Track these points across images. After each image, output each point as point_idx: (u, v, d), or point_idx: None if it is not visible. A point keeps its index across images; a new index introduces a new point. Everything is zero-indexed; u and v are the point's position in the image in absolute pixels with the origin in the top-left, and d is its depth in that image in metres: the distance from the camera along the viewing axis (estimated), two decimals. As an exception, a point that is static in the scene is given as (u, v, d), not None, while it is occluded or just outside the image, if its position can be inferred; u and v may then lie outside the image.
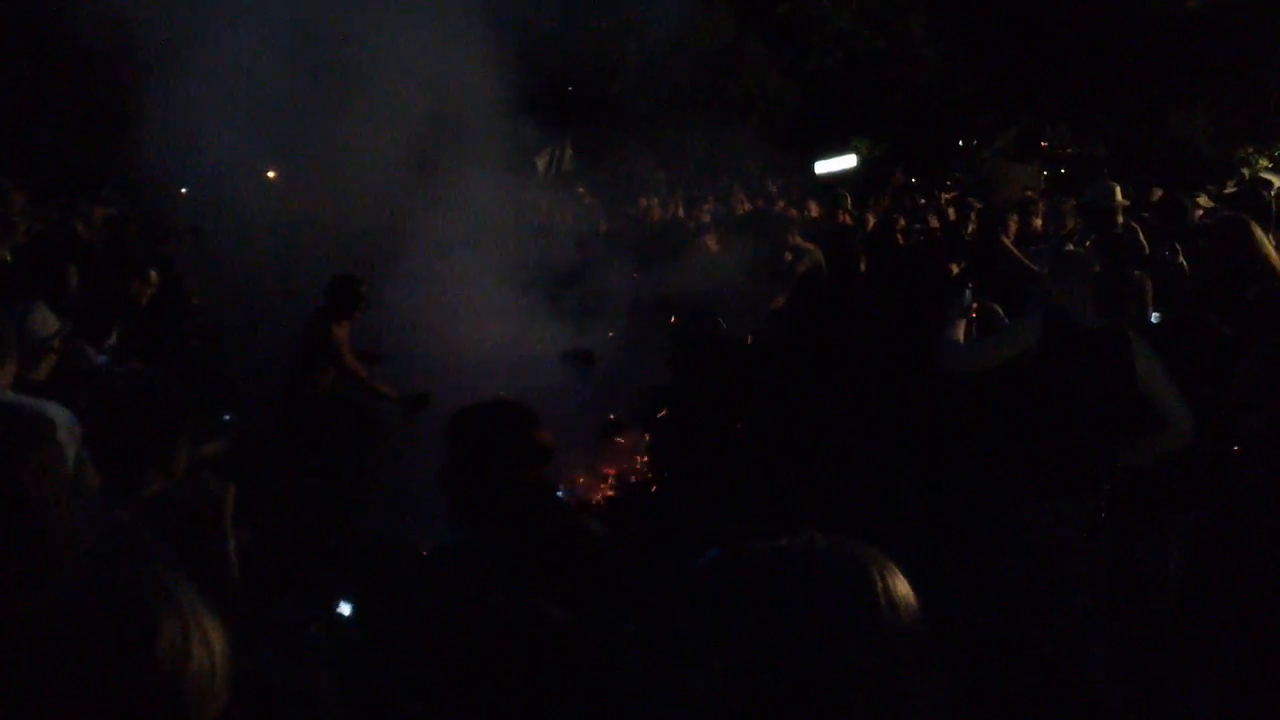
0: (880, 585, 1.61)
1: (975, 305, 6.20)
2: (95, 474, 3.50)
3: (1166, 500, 5.34)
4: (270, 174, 17.14)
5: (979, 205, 13.37)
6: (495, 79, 12.17)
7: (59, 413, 4.01)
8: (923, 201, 15.11)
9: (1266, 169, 18.57)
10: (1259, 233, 6.55)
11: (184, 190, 14.68)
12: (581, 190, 18.96)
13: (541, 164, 23.72)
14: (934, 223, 12.65)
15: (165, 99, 10.64)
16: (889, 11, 22.61)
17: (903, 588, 1.64)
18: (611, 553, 3.63)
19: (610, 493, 8.17)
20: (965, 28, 21.83)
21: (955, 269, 8.17)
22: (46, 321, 5.88)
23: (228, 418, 7.17)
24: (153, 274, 8.82)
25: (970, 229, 10.79)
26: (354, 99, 11.47)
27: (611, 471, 8.44)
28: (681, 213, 16.10)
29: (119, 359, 7.60)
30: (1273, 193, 7.38)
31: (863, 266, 7.76)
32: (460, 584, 3.47)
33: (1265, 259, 6.43)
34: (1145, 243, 8.54)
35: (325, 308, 9.18)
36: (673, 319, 8.56)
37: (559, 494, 4.59)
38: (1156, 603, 5.42)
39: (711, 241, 12.22)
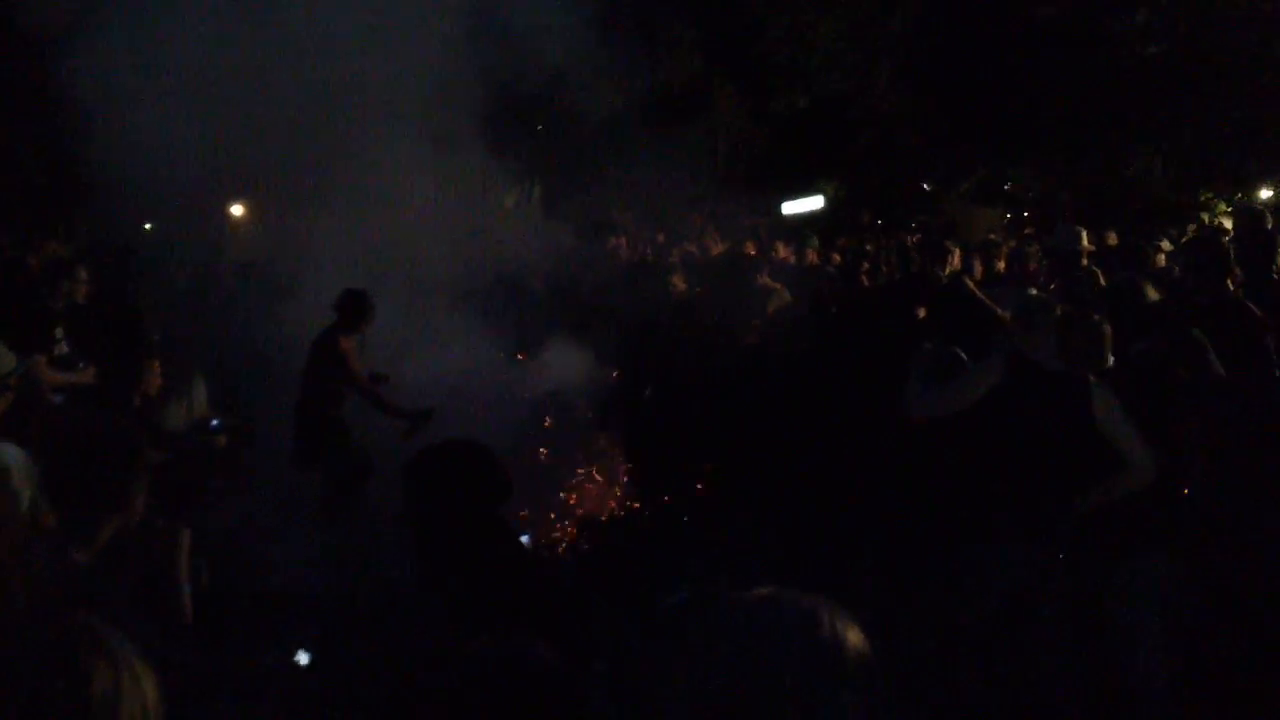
0: (830, 632, 1.69)
1: (936, 350, 6.24)
2: (52, 516, 3.47)
3: (1124, 543, 5.36)
4: (236, 208, 17.07)
5: (955, 247, 13.46)
6: (464, 116, 12.18)
7: (14, 454, 3.97)
8: (872, 244, 15.18)
9: (1225, 214, 18.79)
10: None
11: (148, 226, 14.63)
12: (551, 227, 18.97)
13: (511, 201, 23.74)
14: (902, 264, 12.71)
15: (125, 132, 10.57)
16: (857, 56, 22.78)
17: (853, 635, 1.72)
18: (570, 592, 3.63)
19: (578, 529, 8.17)
20: (931, 73, 22.03)
21: (922, 312, 8.21)
22: (2, 359, 5.84)
23: (215, 422, 7.13)
24: (81, 271, 8.80)
25: (946, 270, 10.87)
26: (323, 133, 11.45)
27: (581, 511, 8.45)
28: (650, 252, 16.11)
29: (69, 365, 7.58)
30: (1227, 240, 7.47)
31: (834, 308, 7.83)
32: (432, 628, 3.46)
33: None
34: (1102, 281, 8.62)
35: (334, 323, 9.18)
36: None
37: (523, 537, 4.58)
38: (1141, 666, 5.36)
39: (679, 280, 12.24)
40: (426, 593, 3.71)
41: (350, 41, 11.74)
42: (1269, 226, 7.98)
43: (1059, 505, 5.24)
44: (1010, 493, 5.32)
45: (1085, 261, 9.48)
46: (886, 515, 6.37)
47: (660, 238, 15.82)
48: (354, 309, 9.20)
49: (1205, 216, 19.10)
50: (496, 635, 2.76)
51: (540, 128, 21.25)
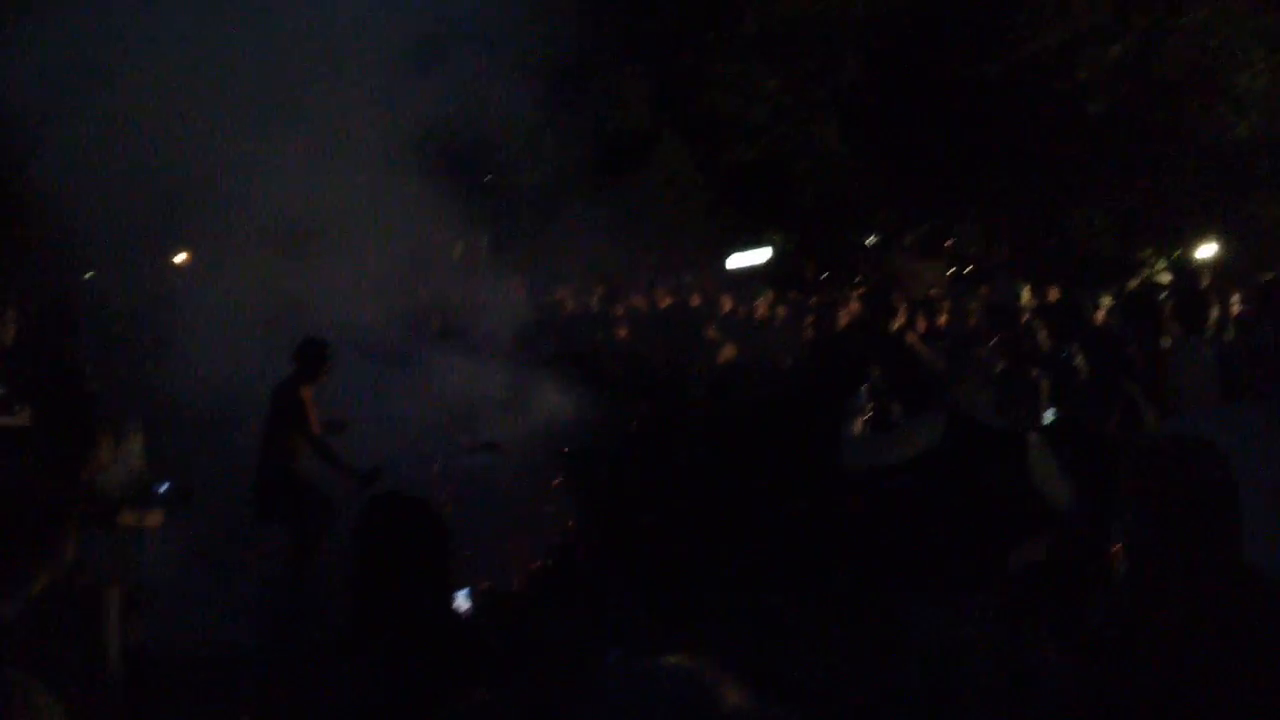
0: (713, 699, 1.78)
1: (872, 403, 6.27)
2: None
3: (1059, 599, 5.41)
4: (179, 257, 16.93)
5: (900, 302, 13.59)
6: (411, 165, 12.19)
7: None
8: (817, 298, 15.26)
9: (1164, 270, 19.08)
10: None
11: (88, 275, 14.50)
12: (502, 278, 18.95)
13: (458, 252, 23.70)
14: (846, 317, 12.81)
15: (63, 179, 10.49)
16: (803, 110, 22.99)
17: (733, 697, 1.81)
18: (497, 661, 3.59)
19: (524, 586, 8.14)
20: (875, 127, 22.26)
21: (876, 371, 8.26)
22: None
23: (163, 488, 7.02)
24: (10, 311, 8.73)
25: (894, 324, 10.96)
26: (268, 180, 11.40)
27: (532, 565, 8.41)
28: (596, 304, 16.15)
29: (4, 407, 7.49)
30: (1163, 296, 7.60)
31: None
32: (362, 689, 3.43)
33: None
34: (1046, 342, 8.72)
35: (294, 372, 9.17)
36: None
37: (461, 592, 4.55)
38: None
39: (623, 332, 12.27)
40: (358, 652, 3.67)
41: (295, 89, 11.73)
42: (1204, 284, 8.12)
43: (995, 559, 5.27)
44: (946, 546, 5.34)
45: (1026, 317, 9.60)
46: (825, 567, 6.39)
47: (600, 290, 15.83)
48: (314, 358, 9.21)
49: (1146, 273, 19.39)
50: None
51: (488, 178, 21.27)
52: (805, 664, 6.47)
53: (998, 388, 5.71)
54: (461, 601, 4.02)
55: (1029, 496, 5.29)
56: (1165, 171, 18.80)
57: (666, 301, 15.41)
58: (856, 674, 6.08)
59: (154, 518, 6.28)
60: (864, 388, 6.26)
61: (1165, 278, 16.57)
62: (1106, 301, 11.75)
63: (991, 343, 8.77)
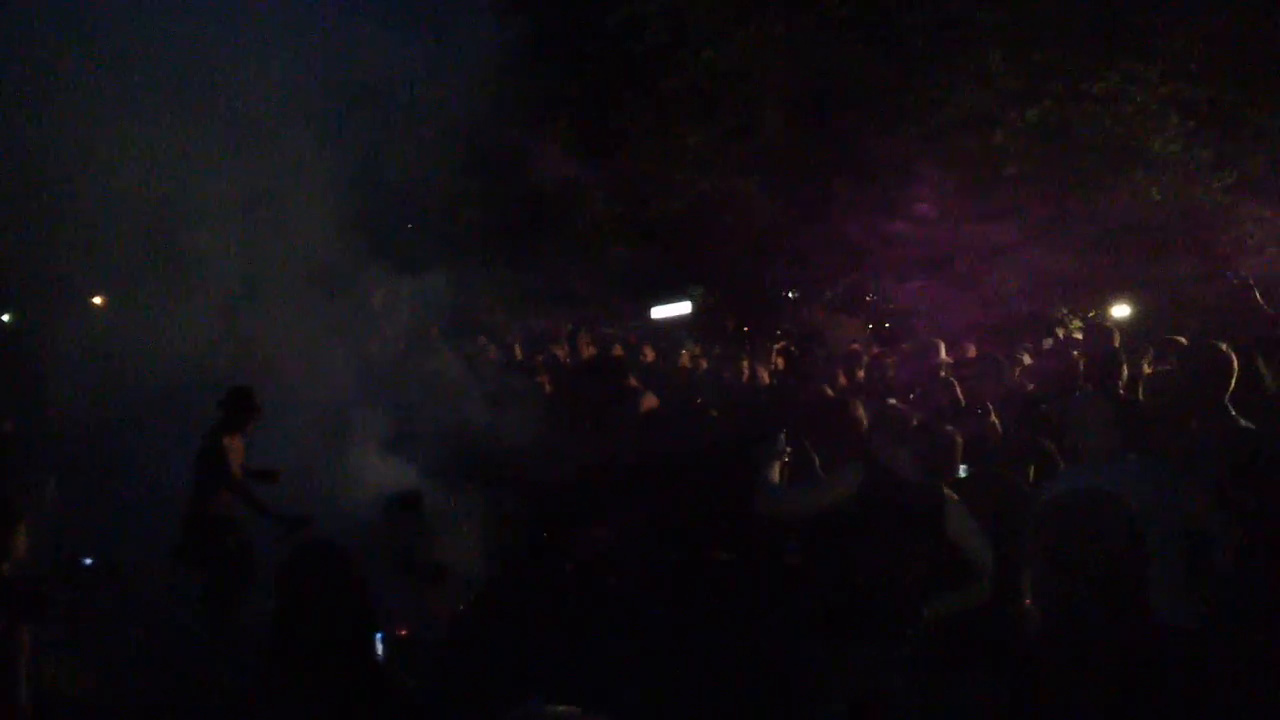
0: None
1: (789, 450, 6.31)
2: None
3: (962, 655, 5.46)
4: (97, 299, 16.71)
5: (822, 352, 13.74)
6: (332, 211, 12.15)
7: None
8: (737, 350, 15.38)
9: (1079, 329, 19.40)
10: None
11: (5, 317, 14.29)
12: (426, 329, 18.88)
13: (379, 300, 23.57)
14: (767, 371, 12.91)
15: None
16: (725, 166, 23.19)
17: None
18: (411, 708, 3.57)
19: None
20: (796, 185, 22.51)
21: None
22: None
23: (88, 561, 6.87)
24: None
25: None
26: (187, 222, 11.33)
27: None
28: (519, 353, 16.15)
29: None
30: (1077, 354, 7.73)
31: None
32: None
33: None
34: (961, 398, 8.84)
35: (219, 421, 9.16)
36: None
37: (378, 638, 4.51)
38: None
39: (546, 382, 12.27)
40: (275, 696, 3.65)
41: (215, 136, 11.68)
42: (1116, 344, 8.28)
43: (908, 610, 5.32)
44: (865, 596, 5.39)
45: (943, 373, 9.74)
46: (739, 617, 6.40)
47: (518, 339, 15.86)
48: (238, 407, 9.22)
49: (1060, 331, 19.70)
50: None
51: (410, 226, 21.22)
52: (724, 713, 6.47)
53: (915, 442, 5.77)
54: (378, 647, 3.99)
55: (945, 549, 5.36)
56: (1080, 232, 19.14)
57: (589, 351, 15.44)
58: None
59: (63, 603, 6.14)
60: (781, 434, 6.30)
61: (1080, 336, 16.85)
62: (1027, 360, 11.94)
63: (910, 397, 8.89)
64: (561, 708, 1.68)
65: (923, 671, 5.37)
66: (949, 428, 6.25)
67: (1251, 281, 17.44)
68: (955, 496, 5.45)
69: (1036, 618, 5.50)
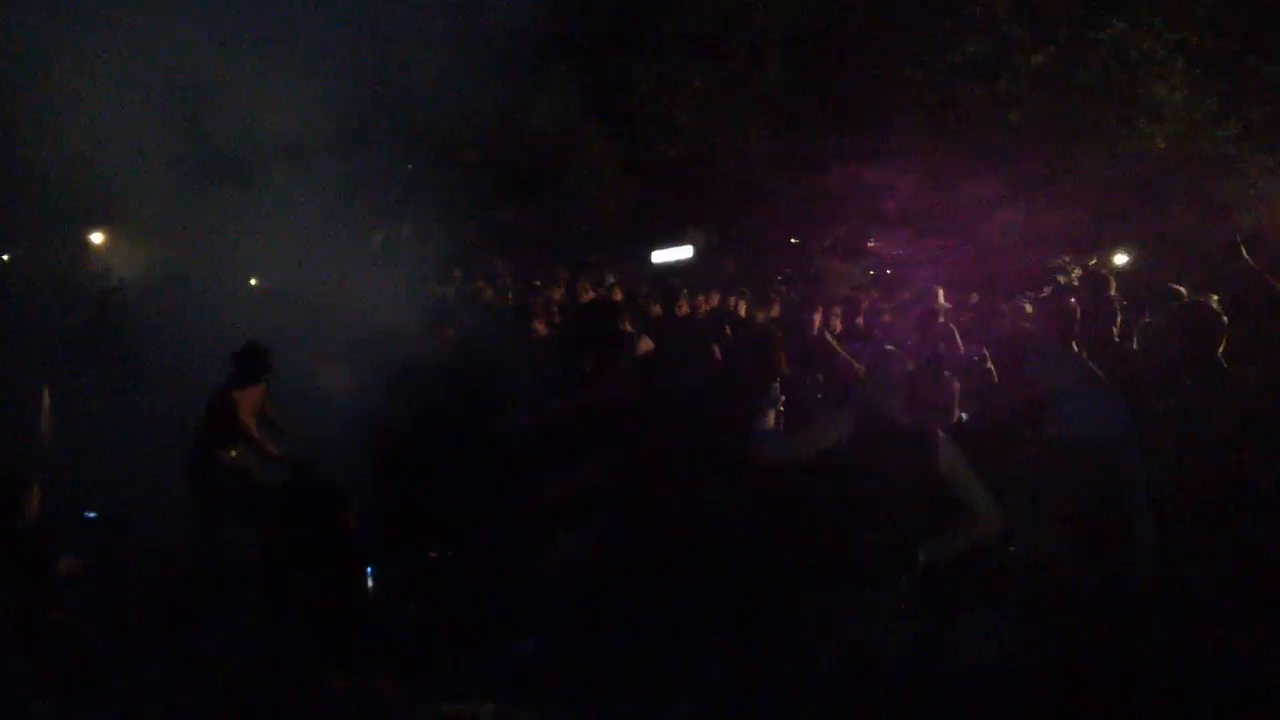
0: None
1: (784, 398, 6.31)
2: None
3: (959, 598, 5.50)
4: (96, 236, 16.67)
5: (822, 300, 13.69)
6: (332, 150, 12.10)
7: None
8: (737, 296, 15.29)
9: (1078, 279, 19.34)
10: None
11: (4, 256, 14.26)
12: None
13: (377, 241, 23.52)
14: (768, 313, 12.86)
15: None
16: (728, 109, 23.06)
17: None
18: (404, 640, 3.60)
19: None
20: (798, 130, 22.40)
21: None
22: None
23: (92, 515, 6.87)
24: None
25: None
26: (187, 164, 11.27)
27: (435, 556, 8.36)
28: (512, 296, 16.11)
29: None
30: (1073, 301, 7.70)
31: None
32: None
33: None
34: (960, 345, 8.83)
35: (231, 376, 9.28)
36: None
37: (370, 571, 4.54)
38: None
39: (541, 326, 12.22)
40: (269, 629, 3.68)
41: (216, 70, 11.60)
42: (1111, 293, 8.23)
43: (906, 554, 5.33)
44: (858, 542, 5.40)
45: (942, 319, 9.71)
46: (736, 560, 6.42)
47: (509, 279, 15.79)
48: (249, 365, 9.33)
49: (1061, 279, 19.64)
50: (339, 672, 2.76)
51: (410, 167, 21.11)
52: (711, 663, 6.51)
53: (910, 387, 5.77)
54: (368, 580, 4.03)
55: (937, 493, 5.36)
56: (1081, 180, 19.05)
57: (589, 296, 15.38)
58: (765, 672, 6.12)
59: (70, 564, 6.14)
60: (776, 383, 6.29)
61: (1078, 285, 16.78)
62: (1028, 309, 11.91)
63: (907, 343, 8.86)
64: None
65: (916, 618, 5.39)
66: (946, 373, 6.25)
67: (1240, 239, 17.36)
68: (950, 440, 5.45)
69: (1022, 564, 5.55)
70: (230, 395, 9.37)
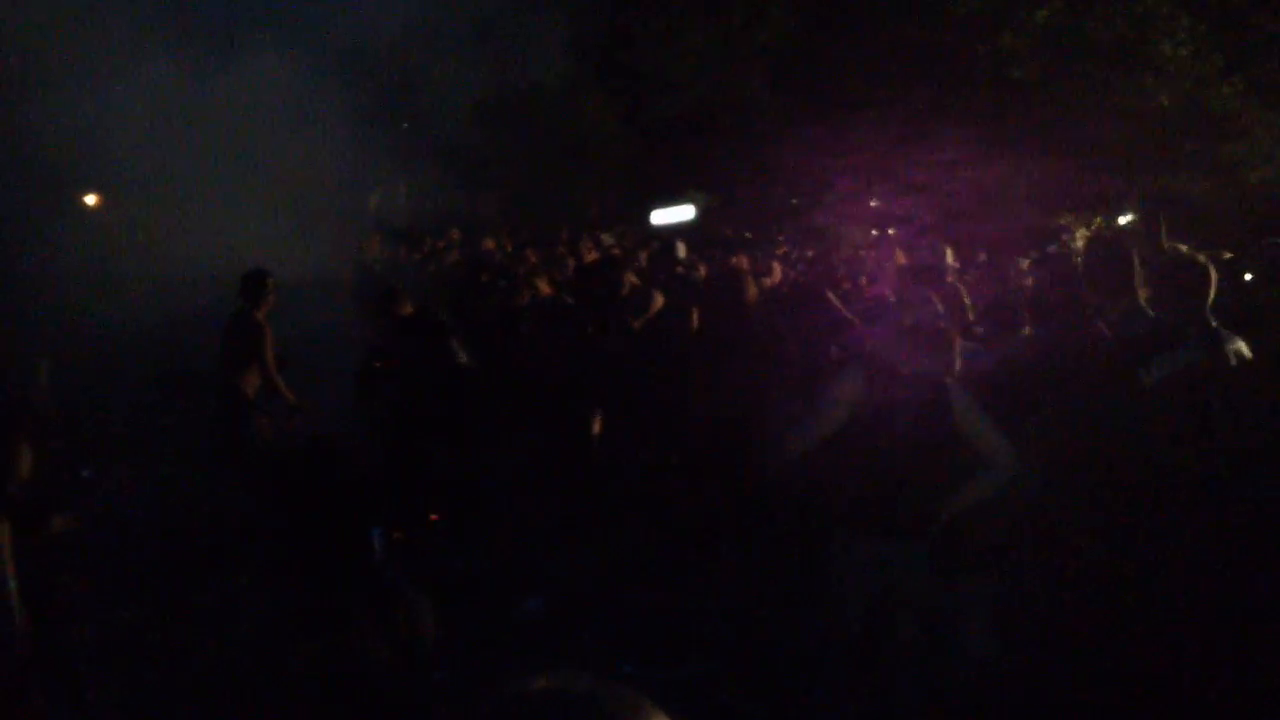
0: None
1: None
2: None
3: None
4: (90, 198, 16.55)
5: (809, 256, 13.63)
6: (330, 112, 12.01)
7: None
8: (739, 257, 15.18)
9: (1085, 237, 19.24)
10: None
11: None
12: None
13: (374, 202, 23.47)
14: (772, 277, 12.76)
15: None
16: (728, 64, 22.90)
17: None
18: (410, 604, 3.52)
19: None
20: (798, 86, 22.24)
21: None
22: None
23: (86, 473, 6.79)
24: None
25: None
26: (185, 126, 11.19)
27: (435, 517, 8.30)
28: (510, 250, 15.99)
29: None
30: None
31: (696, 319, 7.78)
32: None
33: None
34: (967, 303, 8.73)
35: (247, 305, 9.07)
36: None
37: (375, 533, 4.44)
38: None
39: (544, 284, 12.12)
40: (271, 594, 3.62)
41: (208, 39, 11.51)
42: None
43: (925, 507, 5.28)
44: (876, 493, 5.34)
45: (950, 278, 9.61)
46: (758, 513, 6.36)
47: (507, 243, 15.61)
48: (259, 288, 9.14)
49: (1065, 239, 19.55)
50: (333, 636, 2.69)
51: (406, 126, 21.00)
52: (730, 616, 6.47)
53: (910, 339, 5.70)
54: (375, 542, 3.94)
55: (955, 440, 5.30)
56: (1086, 138, 18.92)
57: (591, 256, 15.26)
58: (784, 625, 6.08)
59: (64, 522, 6.06)
60: (797, 399, 6.17)
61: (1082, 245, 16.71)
62: (1023, 265, 11.83)
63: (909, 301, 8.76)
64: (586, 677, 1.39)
65: (938, 567, 5.36)
66: (942, 325, 6.15)
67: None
68: (961, 386, 5.39)
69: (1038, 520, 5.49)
70: (254, 318, 9.08)
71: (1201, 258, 5.86)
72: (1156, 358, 5.24)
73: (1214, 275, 5.58)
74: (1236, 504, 4.73)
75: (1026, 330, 6.33)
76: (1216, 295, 5.48)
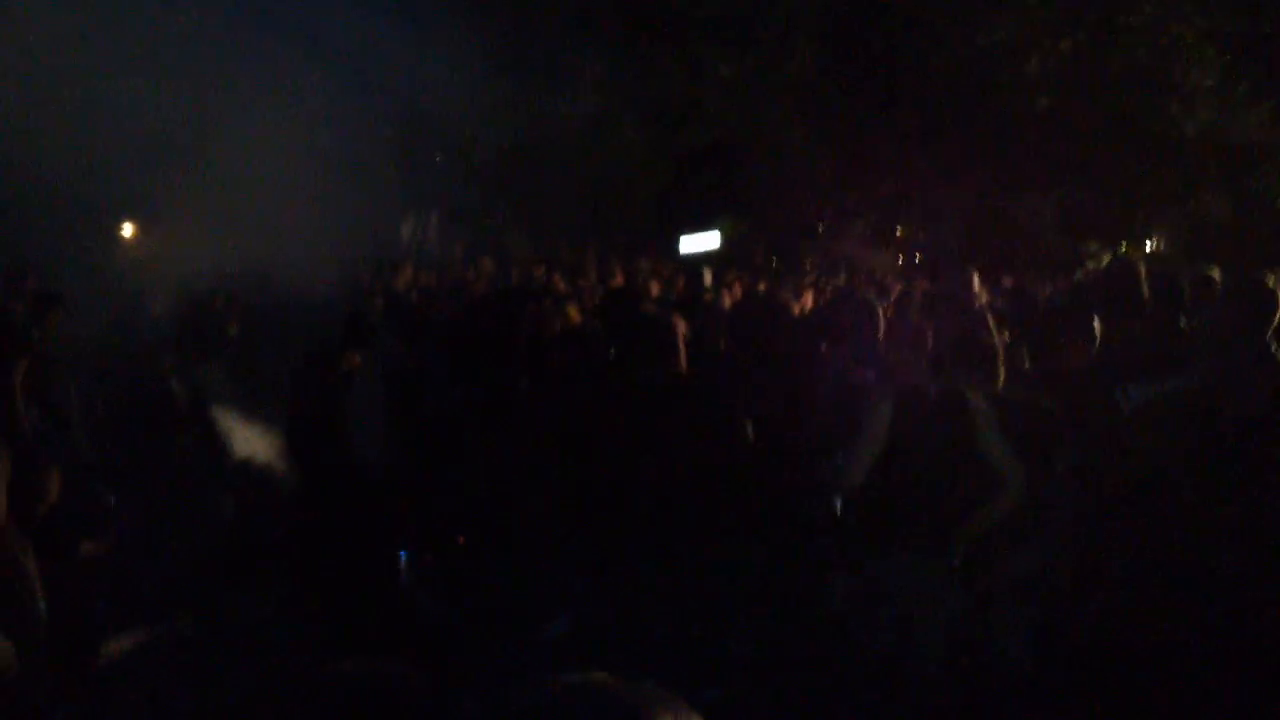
0: None
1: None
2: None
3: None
4: (126, 228, 16.74)
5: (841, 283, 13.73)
6: (364, 143, 12.11)
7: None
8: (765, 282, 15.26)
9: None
10: None
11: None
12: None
13: (406, 231, 23.62)
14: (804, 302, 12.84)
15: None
16: (756, 95, 23.01)
17: None
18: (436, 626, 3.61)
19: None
20: (828, 115, 22.34)
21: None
22: None
23: (112, 500, 6.88)
24: None
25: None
26: (218, 150, 11.31)
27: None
28: (542, 280, 16.06)
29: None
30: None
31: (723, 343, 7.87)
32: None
33: None
34: (993, 330, 8.78)
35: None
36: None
37: (403, 555, 4.54)
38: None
39: (574, 312, 12.19)
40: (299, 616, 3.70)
41: (245, 68, 11.64)
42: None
43: (948, 521, 5.34)
44: (905, 509, 5.40)
45: (977, 306, 9.67)
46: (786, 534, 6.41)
47: (541, 269, 15.67)
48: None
49: (1090, 264, 19.56)
50: (358, 657, 2.76)
51: (438, 158, 21.17)
52: (745, 646, 6.51)
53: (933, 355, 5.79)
54: (403, 564, 4.04)
55: (975, 455, 5.35)
56: (1112, 166, 18.96)
57: (619, 282, 15.34)
58: (803, 654, 6.13)
59: (92, 547, 6.15)
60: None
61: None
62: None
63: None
64: (598, 675, 1.46)
65: (965, 584, 5.41)
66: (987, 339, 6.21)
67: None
68: (980, 402, 5.44)
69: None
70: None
71: (1270, 281, 5.88)
72: (1136, 384, 5.26)
73: None
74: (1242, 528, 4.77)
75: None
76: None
